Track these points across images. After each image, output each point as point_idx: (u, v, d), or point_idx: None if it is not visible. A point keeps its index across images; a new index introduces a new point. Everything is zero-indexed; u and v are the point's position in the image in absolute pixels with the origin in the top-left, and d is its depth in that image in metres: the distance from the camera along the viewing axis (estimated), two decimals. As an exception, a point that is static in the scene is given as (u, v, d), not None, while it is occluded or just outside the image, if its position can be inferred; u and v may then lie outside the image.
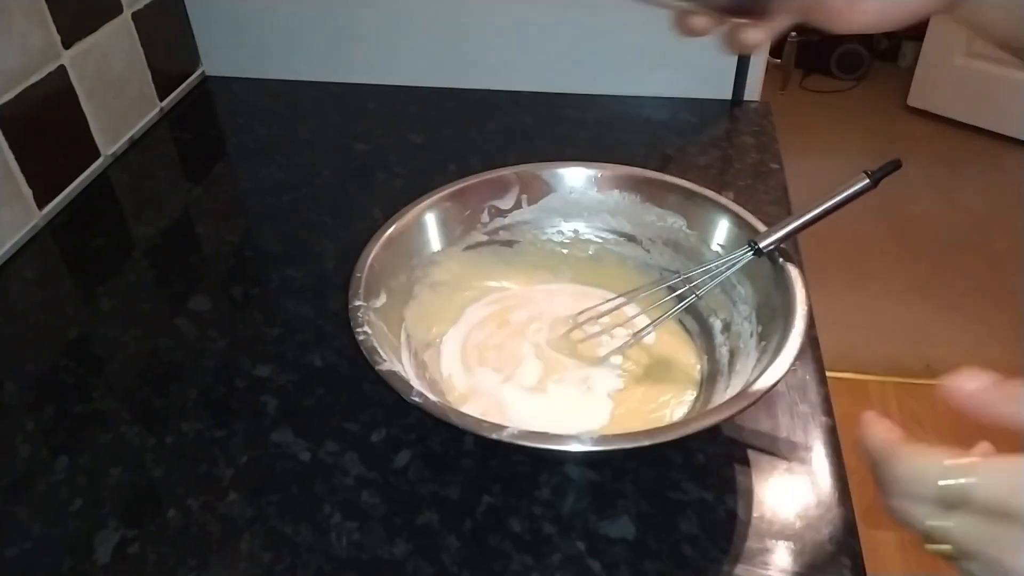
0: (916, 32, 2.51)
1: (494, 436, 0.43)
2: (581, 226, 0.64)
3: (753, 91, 0.91)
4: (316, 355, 0.60)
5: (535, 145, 0.86)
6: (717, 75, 0.91)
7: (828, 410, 0.54)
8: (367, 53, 0.95)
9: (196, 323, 0.64)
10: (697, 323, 0.58)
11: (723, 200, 0.58)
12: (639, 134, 0.87)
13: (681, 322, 0.59)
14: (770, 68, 0.92)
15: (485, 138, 0.88)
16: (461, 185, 0.62)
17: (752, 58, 0.89)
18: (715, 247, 0.58)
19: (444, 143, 0.87)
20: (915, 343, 1.78)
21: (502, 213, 0.63)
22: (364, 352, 0.48)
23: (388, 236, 0.57)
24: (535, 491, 0.50)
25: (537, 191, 0.63)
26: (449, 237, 0.61)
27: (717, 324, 0.57)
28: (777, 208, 0.73)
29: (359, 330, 0.50)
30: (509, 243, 0.64)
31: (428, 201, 0.60)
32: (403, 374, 0.48)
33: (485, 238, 0.63)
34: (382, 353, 0.48)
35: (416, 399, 0.46)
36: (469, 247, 0.63)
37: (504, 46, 0.92)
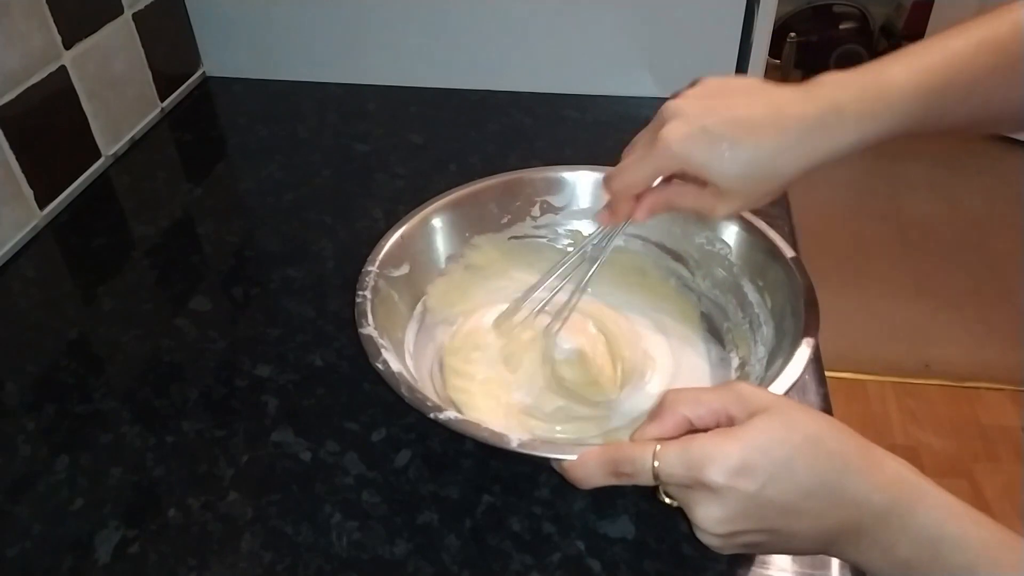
0: (916, 33, 2.51)
1: (436, 416, 0.44)
2: (630, 238, 0.63)
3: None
4: (316, 355, 0.60)
5: (535, 146, 0.86)
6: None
7: (828, 410, 0.54)
8: (367, 54, 0.95)
9: (197, 323, 0.64)
10: (718, 355, 0.58)
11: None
12: (639, 134, 0.87)
13: (706, 351, 0.58)
14: (769, 69, 0.92)
15: (485, 139, 0.88)
16: (517, 176, 0.63)
17: (751, 59, 0.89)
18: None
19: (444, 143, 0.87)
20: (914, 343, 1.78)
21: (554, 210, 0.63)
22: (355, 315, 0.50)
23: (432, 210, 0.59)
24: (535, 491, 0.50)
25: (593, 195, 0.63)
26: (494, 223, 0.62)
27: (735, 361, 0.56)
28: (776, 208, 0.73)
29: (360, 292, 0.51)
30: (554, 240, 0.64)
31: (483, 185, 0.61)
32: (380, 341, 0.49)
33: (532, 231, 0.64)
34: (369, 318, 0.49)
35: (380, 366, 0.47)
36: (515, 237, 0.63)
37: (504, 47, 0.93)
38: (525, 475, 0.51)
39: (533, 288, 0.57)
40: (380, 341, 0.49)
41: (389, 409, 0.55)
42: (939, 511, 0.34)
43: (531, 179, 0.63)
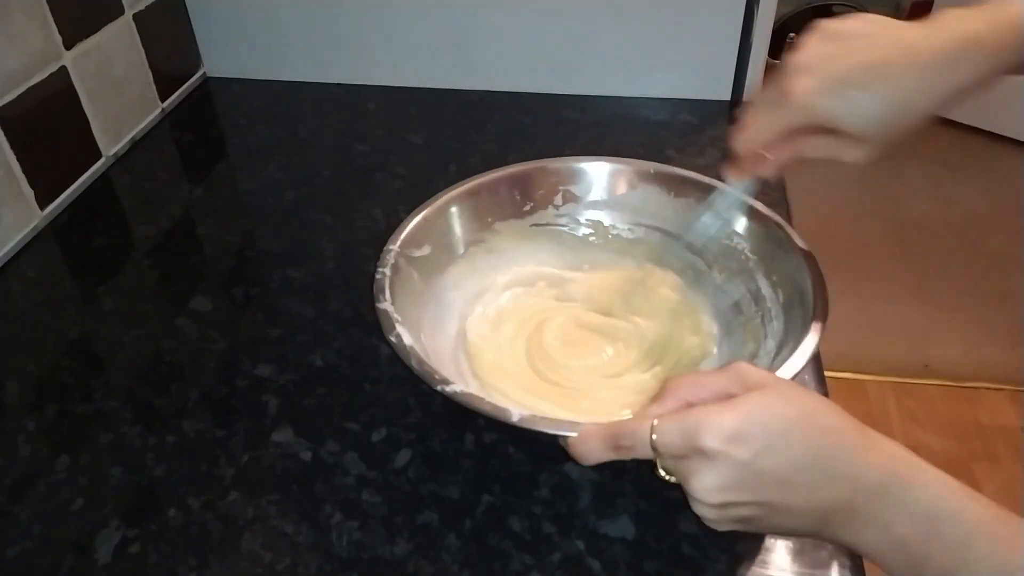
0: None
1: (443, 389, 0.45)
2: (650, 229, 0.64)
3: (752, 92, 0.92)
4: (317, 355, 0.60)
5: (535, 146, 0.86)
6: (716, 76, 0.91)
7: (827, 410, 0.54)
8: (367, 54, 0.96)
9: (197, 323, 0.64)
10: (728, 348, 0.58)
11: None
12: (639, 135, 0.87)
13: (718, 343, 0.59)
14: (769, 69, 0.92)
15: (485, 139, 0.88)
16: (541, 164, 0.64)
17: (751, 59, 0.89)
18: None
19: (444, 144, 0.87)
20: (914, 343, 1.78)
21: (575, 199, 0.64)
22: (374, 290, 0.51)
23: (456, 195, 0.60)
24: (535, 490, 0.50)
25: (616, 186, 0.64)
26: (517, 210, 0.63)
27: (744, 352, 0.57)
28: (776, 209, 0.73)
29: (380, 270, 0.53)
30: (574, 229, 0.65)
31: (507, 172, 0.62)
32: (394, 316, 0.50)
33: (553, 219, 0.64)
34: (387, 293, 0.51)
35: (392, 339, 0.48)
36: (536, 224, 0.64)
37: (504, 47, 0.93)
38: (525, 475, 0.51)
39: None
40: (395, 316, 0.50)
41: (389, 409, 0.56)
42: (935, 488, 0.34)
43: (555, 168, 0.64)
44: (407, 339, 0.48)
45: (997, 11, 0.43)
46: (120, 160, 0.85)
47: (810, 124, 0.46)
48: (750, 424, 0.34)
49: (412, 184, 0.80)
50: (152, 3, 0.87)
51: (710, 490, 0.35)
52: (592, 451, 0.40)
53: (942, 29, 0.43)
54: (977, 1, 0.44)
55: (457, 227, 0.61)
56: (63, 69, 0.75)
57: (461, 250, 0.62)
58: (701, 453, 0.35)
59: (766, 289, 0.57)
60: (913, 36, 0.44)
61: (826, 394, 0.55)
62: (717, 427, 0.34)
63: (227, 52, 0.98)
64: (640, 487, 0.50)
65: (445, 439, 0.53)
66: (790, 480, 0.35)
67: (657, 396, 0.39)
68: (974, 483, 0.34)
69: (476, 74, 0.95)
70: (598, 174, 0.64)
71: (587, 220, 0.65)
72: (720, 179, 0.57)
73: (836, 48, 0.45)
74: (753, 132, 0.48)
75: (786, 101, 0.45)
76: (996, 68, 0.43)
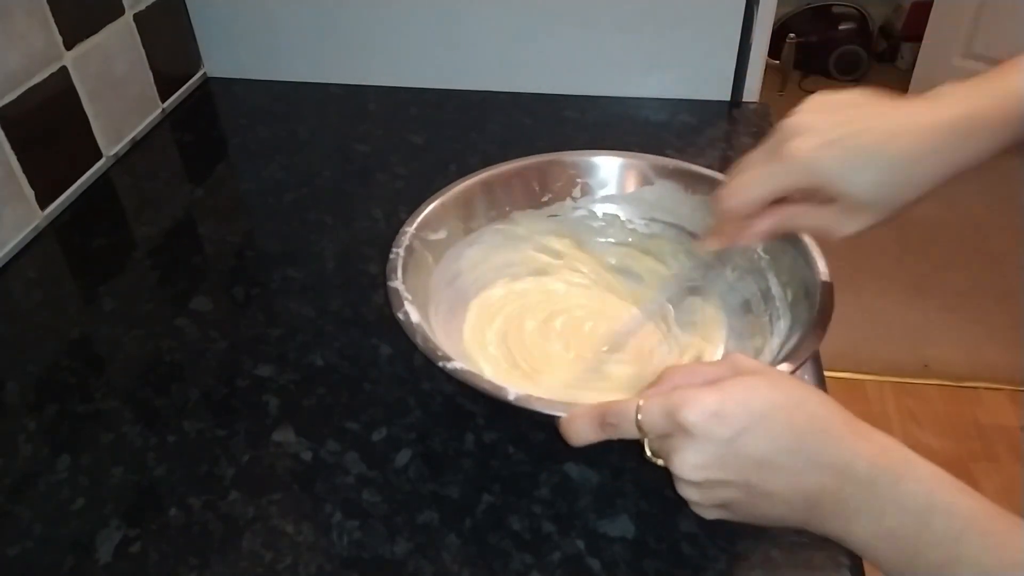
0: (915, 33, 2.52)
1: (444, 366, 0.46)
2: (666, 226, 0.64)
3: (752, 93, 0.92)
4: (317, 355, 0.60)
5: (535, 147, 0.85)
6: (716, 77, 0.91)
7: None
8: (368, 55, 0.96)
9: (198, 323, 0.64)
10: (735, 345, 0.59)
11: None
12: (639, 135, 0.87)
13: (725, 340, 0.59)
14: (769, 70, 0.93)
15: (485, 139, 0.88)
16: (560, 156, 0.64)
17: (751, 59, 0.89)
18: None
19: (444, 144, 0.87)
20: (913, 343, 1.79)
21: (593, 192, 0.64)
22: (387, 270, 0.52)
23: (475, 182, 0.61)
24: (535, 490, 0.50)
25: (635, 181, 0.64)
26: (535, 201, 0.64)
27: (750, 349, 0.57)
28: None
29: (395, 250, 0.54)
30: (592, 222, 0.65)
31: (526, 162, 0.63)
32: (404, 295, 0.51)
33: (571, 212, 0.65)
34: (399, 273, 0.52)
35: (400, 316, 0.49)
36: (554, 216, 0.65)
37: (504, 48, 0.93)
38: (525, 475, 0.51)
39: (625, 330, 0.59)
40: (405, 295, 0.51)
41: (389, 409, 0.56)
42: (928, 482, 0.34)
43: (574, 161, 0.64)
44: (414, 316, 0.49)
45: (998, 87, 0.43)
46: (120, 160, 0.85)
47: (807, 187, 0.45)
48: (731, 404, 0.35)
49: (412, 184, 0.80)
50: (152, 3, 0.87)
51: (691, 467, 0.36)
52: (581, 431, 0.40)
53: (946, 105, 0.43)
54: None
55: (475, 214, 0.62)
56: (63, 69, 0.75)
57: (478, 237, 0.62)
58: (683, 430, 0.35)
59: (776, 288, 0.57)
60: (913, 109, 0.43)
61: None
62: (698, 404, 0.35)
63: (227, 52, 0.98)
64: (640, 487, 0.50)
65: (445, 439, 0.53)
66: (772, 462, 0.35)
67: (653, 383, 0.39)
68: (973, 483, 0.34)
69: (477, 74, 0.95)
70: (616, 168, 0.64)
71: (604, 214, 0.65)
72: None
73: (838, 115, 0.44)
74: (746, 193, 0.46)
75: (785, 160, 0.43)
76: (1000, 145, 0.42)
